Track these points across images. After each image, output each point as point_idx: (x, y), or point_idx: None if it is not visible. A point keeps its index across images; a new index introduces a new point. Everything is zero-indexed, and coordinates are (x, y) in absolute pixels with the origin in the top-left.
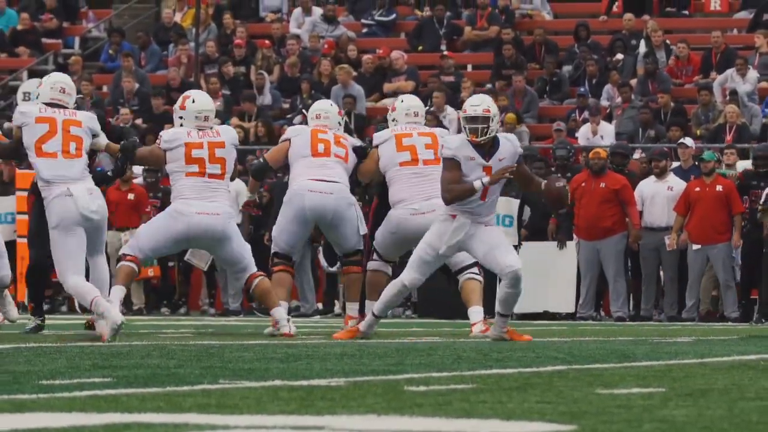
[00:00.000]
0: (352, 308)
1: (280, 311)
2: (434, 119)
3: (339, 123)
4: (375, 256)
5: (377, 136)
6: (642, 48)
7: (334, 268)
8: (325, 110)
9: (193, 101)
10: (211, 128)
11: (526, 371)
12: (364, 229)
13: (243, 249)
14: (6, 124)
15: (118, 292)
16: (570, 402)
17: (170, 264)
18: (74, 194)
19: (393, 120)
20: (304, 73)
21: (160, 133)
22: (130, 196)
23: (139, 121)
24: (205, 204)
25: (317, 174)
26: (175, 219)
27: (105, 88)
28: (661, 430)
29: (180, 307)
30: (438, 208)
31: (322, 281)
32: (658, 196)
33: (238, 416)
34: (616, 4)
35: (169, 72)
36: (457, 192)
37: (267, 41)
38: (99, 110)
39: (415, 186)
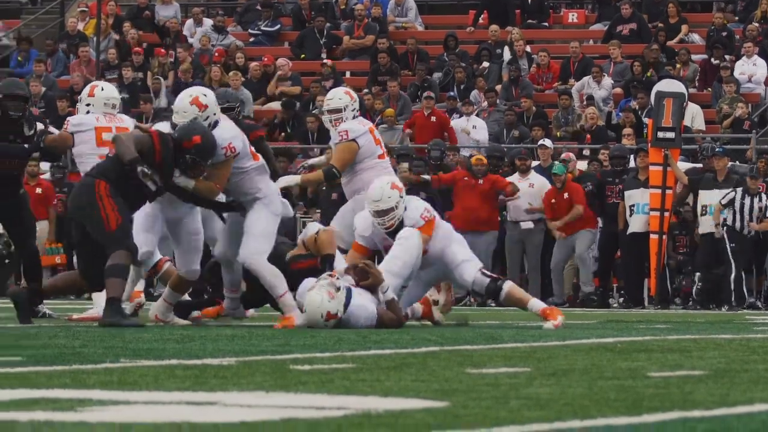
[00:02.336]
0: None
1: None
2: (318, 120)
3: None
4: None
5: (75, 122)
6: (506, 56)
7: None
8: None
9: (102, 89)
10: (115, 116)
11: (402, 352)
12: None
13: None
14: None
15: None
16: (442, 380)
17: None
18: None
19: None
20: (196, 78)
21: (68, 119)
22: (38, 190)
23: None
24: None
25: None
26: None
27: None
28: (527, 406)
29: (84, 292)
30: None
31: None
32: (520, 192)
33: (138, 392)
34: (482, 16)
35: (73, 77)
36: None
37: (162, 50)
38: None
39: None
